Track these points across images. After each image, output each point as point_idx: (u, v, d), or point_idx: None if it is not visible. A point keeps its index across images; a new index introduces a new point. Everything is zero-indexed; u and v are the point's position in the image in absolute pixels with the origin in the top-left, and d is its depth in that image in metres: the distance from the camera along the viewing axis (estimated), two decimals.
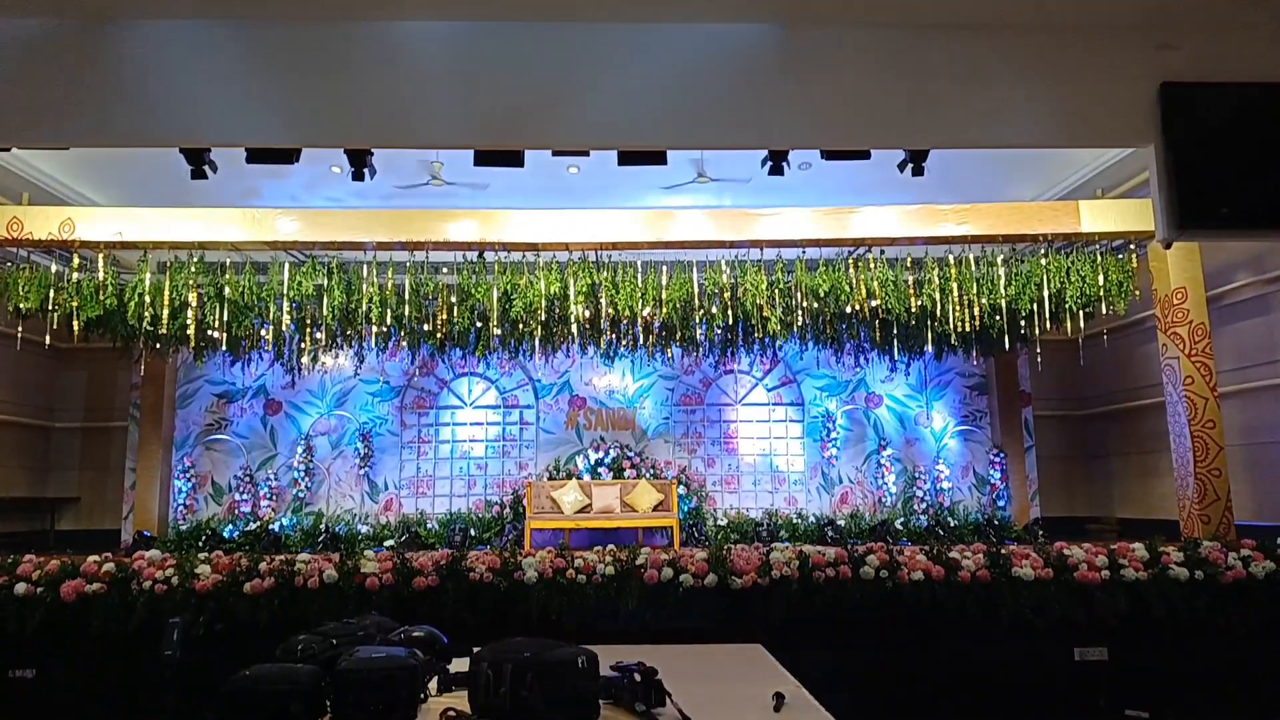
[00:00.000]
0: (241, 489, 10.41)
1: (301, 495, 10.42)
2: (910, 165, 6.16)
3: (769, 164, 6.17)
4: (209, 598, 5.60)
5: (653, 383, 11.07)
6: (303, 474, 10.42)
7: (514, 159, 5.80)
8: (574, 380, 11.04)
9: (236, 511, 10.35)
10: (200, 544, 8.97)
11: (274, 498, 10.42)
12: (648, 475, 10.32)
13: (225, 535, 9.77)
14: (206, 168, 6.01)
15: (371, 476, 10.64)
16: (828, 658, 4.82)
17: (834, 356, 10.53)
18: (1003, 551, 5.97)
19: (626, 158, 5.81)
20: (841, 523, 10.17)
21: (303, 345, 9.03)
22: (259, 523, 10.05)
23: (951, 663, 5.86)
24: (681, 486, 10.31)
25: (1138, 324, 10.03)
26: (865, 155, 5.96)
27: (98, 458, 10.82)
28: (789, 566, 5.82)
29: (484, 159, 5.85)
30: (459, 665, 3.37)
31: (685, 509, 10.22)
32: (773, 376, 11.15)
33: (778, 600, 5.76)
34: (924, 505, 10.63)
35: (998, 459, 10.78)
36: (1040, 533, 9.80)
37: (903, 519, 10.37)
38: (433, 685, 3.35)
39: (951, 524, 10.19)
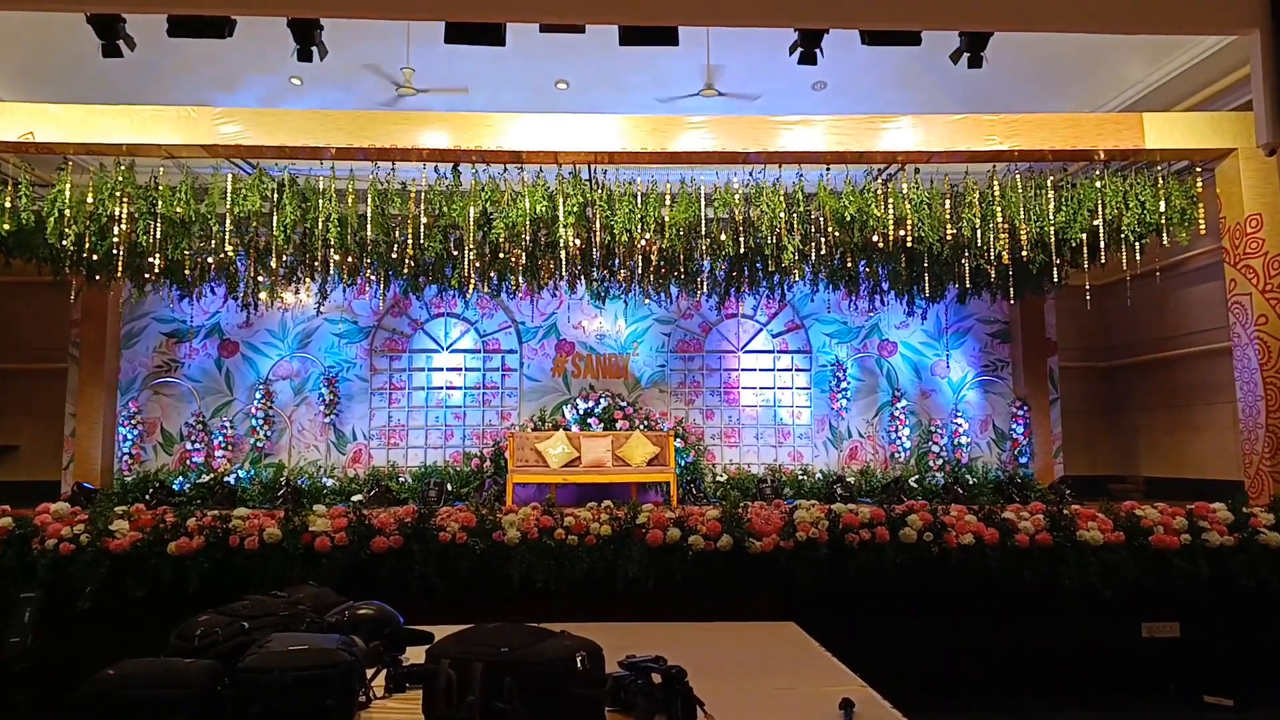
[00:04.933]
0: (194, 438, 9.51)
1: (260, 445, 9.53)
2: (966, 55, 5.19)
3: (800, 50, 5.18)
4: (125, 559, 4.68)
5: (647, 327, 10.17)
6: (261, 422, 9.51)
7: (493, 35, 4.80)
8: (561, 323, 10.13)
9: (188, 462, 9.45)
10: (147, 497, 8.06)
11: (230, 448, 9.52)
12: (641, 427, 9.47)
13: (175, 488, 8.93)
14: (121, 43, 4.97)
15: (338, 425, 9.75)
16: (862, 633, 3.99)
17: (846, 300, 9.63)
18: (1065, 512, 5.13)
19: (630, 35, 4.85)
20: (851, 480, 9.37)
21: (257, 276, 8.02)
22: (213, 475, 9.16)
23: (1001, 640, 5.06)
24: (678, 439, 9.46)
25: (1175, 266, 9.16)
26: (915, 40, 5.01)
27: (39, 402, 9.82)
28: (816, 527, 4.96)
29: (457, 34, 4.85)
30: (417, 655, 2.53)
31: (682, 464, 9.40)
32: (778, 321, 10.27)
33: (804, 567, 4.92)
34: (940, 461, 9.83)
35: (1020, 412, 9.98)
36: (1068, 492, 9.02)
37: (917, 476, 9.57)
38: (379, 681, 2.49)
39: (970, 482, 9.41)
